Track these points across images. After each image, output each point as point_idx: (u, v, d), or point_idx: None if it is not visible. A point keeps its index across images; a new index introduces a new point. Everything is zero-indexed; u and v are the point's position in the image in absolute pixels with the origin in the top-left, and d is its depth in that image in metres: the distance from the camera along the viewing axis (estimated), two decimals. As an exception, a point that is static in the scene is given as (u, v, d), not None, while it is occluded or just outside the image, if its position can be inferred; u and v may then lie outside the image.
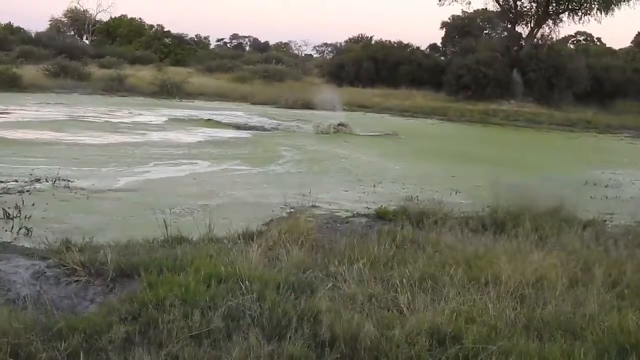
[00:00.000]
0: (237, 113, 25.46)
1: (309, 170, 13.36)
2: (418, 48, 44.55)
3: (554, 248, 6.38)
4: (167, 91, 31.78)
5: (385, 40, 45.55)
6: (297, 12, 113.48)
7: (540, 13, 35.78)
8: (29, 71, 34.69)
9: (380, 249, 6.04)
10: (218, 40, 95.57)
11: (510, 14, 36.64)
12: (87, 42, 69.04)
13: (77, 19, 69.74)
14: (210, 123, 20.91)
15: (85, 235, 6.30)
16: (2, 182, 9.60)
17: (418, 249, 6.25)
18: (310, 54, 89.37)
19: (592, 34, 69.70)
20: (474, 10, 45.79)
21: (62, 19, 70.34)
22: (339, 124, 19.20)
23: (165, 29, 72.31)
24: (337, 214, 9.20)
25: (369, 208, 9.48)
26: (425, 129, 23.92)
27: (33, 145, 13.85)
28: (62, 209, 8.25)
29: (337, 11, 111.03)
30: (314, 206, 9.42)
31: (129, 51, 55.55)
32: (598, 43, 69.15)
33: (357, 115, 27.26)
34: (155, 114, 22.56)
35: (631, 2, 33.20)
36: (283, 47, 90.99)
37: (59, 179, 10.02)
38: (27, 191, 9.14)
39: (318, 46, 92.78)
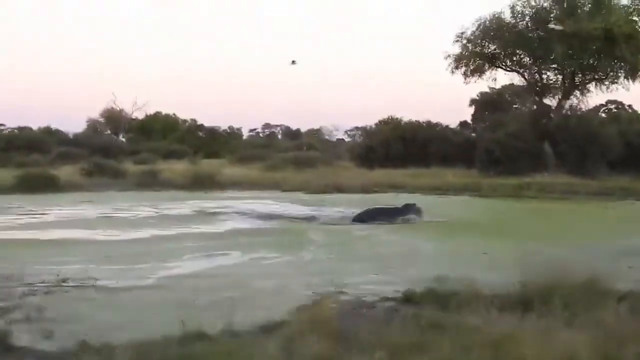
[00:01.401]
0: (267, 201, 25.58)
1: (338, 255, 13.20)
2: (447, 126, 44.87)
3: (585, 325, 6.06)
4: (199, 183, 32.16)
5: (415, 121, 46.06)
6: (328, 98, 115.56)
7: (566, 84, 35.90)
8: (66, 171, 35.64)
9: (403, 335, 5.82)
10: (250, 131, 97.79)
11: (537, 87, 36.81)
12: (123, 139, 71.08)
13: (114, 118, 72.03)
14: (240, 213, 20.96)
15: (105, 335, 6.23)
16: (30, 283, 9.62)
17: (443, 333, 6.01)
18: (342, 139, 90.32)
19: (623, 102, 69.56)
20: (502, 86, 46.16)
21: (99, 119, 72.67)
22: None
23: (199, 123, 74.31)
24: (364, 298, 9.00)
25: (397, 291, 9.25)
26: (455, 206, 23.64)
27: (64, 245, 13.96)
28: (85, 308, 8.18)
29: (367, 94, 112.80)
30: (340, 292, 9.28)
31: (163, 146, 56.84)
32: (630, 110, 68.87)
33: (385, 196, 27.25)
34: (186, 206, 22.74)
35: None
36: (315, 133, 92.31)
37: (87, 278, 10.04)
38: (53, 292, 9.14)
39: (349, 130, 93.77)
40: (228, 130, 80.00)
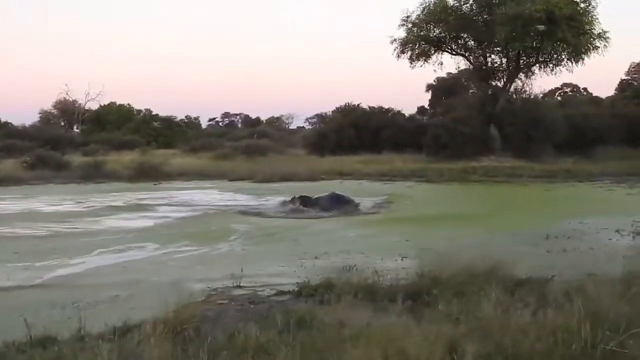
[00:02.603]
0: (210, 191, 25.12)
1: (255, 246, 12.85)
2: (399, 112, 44.70)
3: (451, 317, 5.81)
4: (144, 174, 31.46)
5: (368, 107, 45.80)
6: (288, 86, 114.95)
7: (511, 68, 35.89)
8: (9, 165, 34.72)
9: (259, 335, 5.48)
10: (210, 120, 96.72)
11: (482, 70, 36.71)
12: (77, 131, 69.73)
13: (67, 110, 70.59)
14: (173, 204, 20.49)
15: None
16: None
17: (303, 330, 5.71)
18: (303, 126, 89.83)
19: (579, 85, 70.23)
20: (458, 71, 46.14)
21: (52, 111, 71.17)
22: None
23: (154, 113, 73.07)
24: (260, 292, 8.68)
25: (298, 284, 8.93)
26: (396, 192, 23.43)
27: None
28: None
29: (328, 83, 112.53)
30: (238, 286, 8.94)
31: (115, 137, 55.80)
32: (585, 93, 69.64)
33: (332, 183, 27.00)
34: (121, 198, 22.16)
35: (600, 50, 33.17)
36: (275, 121, 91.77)
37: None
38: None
39: (310, 118, 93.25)
40: (186, 120, 79.03)
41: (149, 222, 16.58)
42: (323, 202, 17.83)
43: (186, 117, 78.32)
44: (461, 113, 33.72)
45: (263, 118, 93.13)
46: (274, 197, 21.45)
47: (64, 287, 9.16)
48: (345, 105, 58.07)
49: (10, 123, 58.41)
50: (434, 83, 59.75)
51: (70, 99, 70.62)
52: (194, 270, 10.37)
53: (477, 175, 28.58)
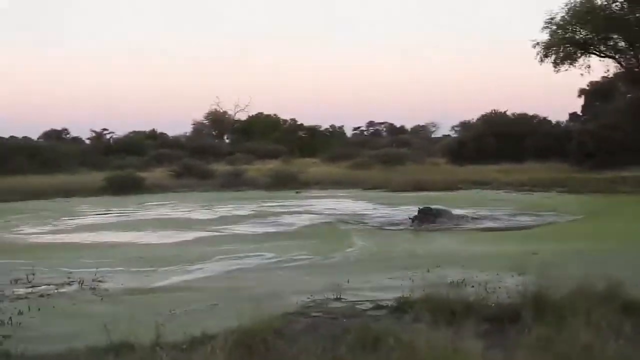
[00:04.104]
0: (340, 200, 25.19)
1: (369, 257, 12.60)
2: (545, 119, 42.62)
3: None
4: (281, 183, 32.12)
5: (511, 114, 44.09)
6: (433, 94, 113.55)
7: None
8: (158, 173, 36.81)
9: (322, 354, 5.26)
10: (354, 129, 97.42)
11: (633, 73, 34.11)
12: (227, 141, 72.87)
13: (217, 120, 73.98)
14: (302, 213, 20.66)
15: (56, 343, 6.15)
16: (34, 286, 9.75)
17: (373, 352, 5.41)
18: (449, 135, 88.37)
19: None
20: (615, 74, 43.28)
21: (204, 122, 74.80)
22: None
23: (299, 122, 74.83)
24: (358, 306, 8.43)
25: (398, 298, 8.59)
26: (532, 203, 22.25)
27: (102, 248, 14.17)
28: (59, 313, 8.13)
29: (474, 91, 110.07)
30: (337, 299, 8.76)
31: (261, 146, 57.56)
32: None
33: (467, 193, 26.28)
34: (253, 207, 22.69)
35: None
36: (420, 130, 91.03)
37: (94, 281, 10.07)
38: (48, 295, 9.17)
39: (456, 126, 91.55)
40: (330, 129, 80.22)
41: (274, 230, 16.84)
42: (445, 215, 17.23)
43: (331, 126, 79.74)
44: (611, 119, 31.51)
45: (408, 126, 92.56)
46: (400, 208, 21.12)
47: (169, 293, 9.39)
48: (492, 112, 56.46)
49: (165, 134, 62.01)
50: (586, 88, 56.54)
51: (221, 110, 73.97)
52: (300, 281, 10.29)
53: (628, 186, 26.45)
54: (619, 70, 35.94)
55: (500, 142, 40.34)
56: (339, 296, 8.86)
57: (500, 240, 14.30)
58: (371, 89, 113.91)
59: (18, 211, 22.15)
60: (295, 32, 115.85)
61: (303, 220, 18.49)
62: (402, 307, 8.06)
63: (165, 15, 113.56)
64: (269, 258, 12.60)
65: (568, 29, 33.21)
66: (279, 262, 12.17)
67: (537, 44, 34.26)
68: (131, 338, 6.10)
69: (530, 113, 44.02)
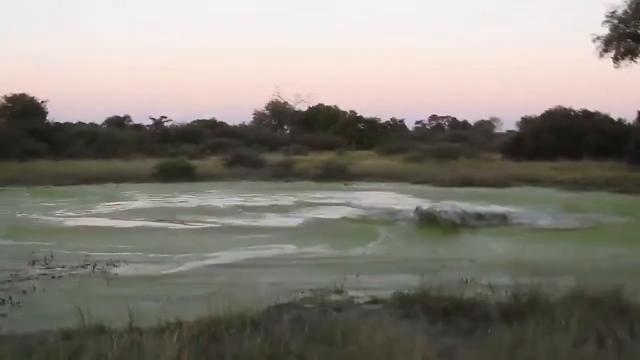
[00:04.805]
0: (384, 194, 25.03)
1: (388, 252, 12.49)
2: (607, 116, 41.20)
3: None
4: (331, 174, 32.04)
5: (570, 110, 42.81)
6: (498, 90, 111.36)
7: None
8: (211, 162, 37.35)
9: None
10: (417, 123, 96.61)
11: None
12: (287, 131, 73.39)
13: (278, 110, 74.56)
14: (340, 204, 20.60)
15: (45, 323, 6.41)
16: (49, 267, 10.08)
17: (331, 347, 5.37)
18: (513, 131, 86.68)
19: None
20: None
21: (265, 112, 75.48)
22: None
23: (358, 115, 74.69)
24: (357, 299, 8.41)
25: (394, 293, 8.50)
26: (579, 202, 21.57)
27: (128, 233, 14.50)
28: (60, 295, 8.38)
29: (541, 85, 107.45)
30: (338, 291, 8.76)
31: (318, 137, 57.67)
32: None
33: (515, 190, 25.75)
34: (294, 198, 22.75)
35: None
36: (484, 124, 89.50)
37: (108, 265, 10.35)
38: (60, 277, 9.47)
39: (520, 122, 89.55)
40: (391, 122, 79.75)
41: (305, 222, 16.82)
42: (479, 212, 16.84)
43: (391, 119, 79.30)
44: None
45: (471, 121, 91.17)
46: (442, 202, 20.82)
47: (175, 280, 9.58)
48: (557, 107, 55.17)
49: (224, 123, 62.84)
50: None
51: (282, 101, 74.49)
52: (309, 274, 10.29)
53: (685, 188, 25.35)
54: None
55: (559, 139, 39.23)
56: (340, 289, 8.86)
57: (526, 241, 13.88)
58: (436, 83, 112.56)
59: (65, 195, 22.91)
60: (361, 25, 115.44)
61: (338, 213, 18.39)
62: (396, 302, 8.01)
63: (230, 5, 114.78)
64: (288, 250, 12.66)
65: (630, 23, 31.98)
66: (297, 254, 12.24)
67: (597, 38, 33.18)
68: (106, 322, 6.27)
69: (596, 110, 42.62)
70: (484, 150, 46.56)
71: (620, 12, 32.41)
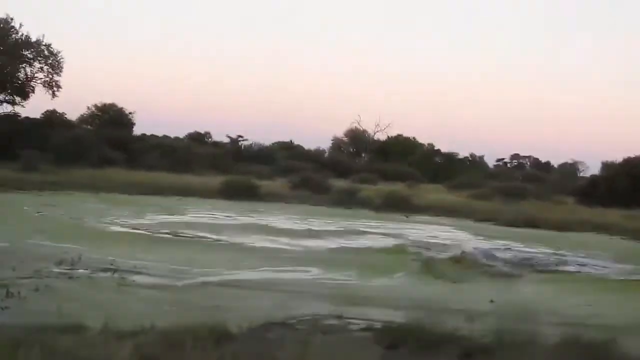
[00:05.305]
0: (439, 228, 24.81)
1: (410, 284, 12.47)
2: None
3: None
4: (392, 205, 31.94)
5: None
6: (583, 133, 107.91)
7: None
8: (277, 183, 38.00)
9: None
10: (498, 160, 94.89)
11: None
12: (365, 159, 73.60)
13: (356, 138, 74.98)
14: (388, 236, 20.52)
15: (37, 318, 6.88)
16: (73, 269, 10.66)
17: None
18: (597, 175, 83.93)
19: None
20: None
21: (344, 138, 76.01)
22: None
23: (436, 148, 74.17)
24: (351, 327, 8.51)
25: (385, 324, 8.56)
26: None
27: (163, 244, 15.10)
28: (66, 294, 8.89)
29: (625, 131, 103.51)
30: (339, 317, 8.88)
31: (390, 168, 57.54)
32: None
33: (573, 235, 25.04)
34: (343, 224, 22.88)
35: None
36: (569, 167, 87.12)
37: (129, 272, 10.86)
38: (77, 277, 10.01)
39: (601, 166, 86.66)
40: (470, 158, 78.70)
41: (342, 248, 16.94)
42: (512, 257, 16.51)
43: (470, 154, 78.26)
44: None
45: (555, 163, 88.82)
46: (496, 242, 20.55)
47: (184, 292, 9.99)
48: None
49: (300, 146, 63.64)
50: None
51: (361, 129, 74.90)
52: (319, 298, 10.40)
53: None
54: None
55: (636, 186, 37.77)
56: (340, 315, 8.97)
57: (552, 288, 13.43)
58: (518, 121, 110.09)
59: (127, 203, 23.91)
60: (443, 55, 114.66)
61: (379, 243, 18.42)
62: (383, 332, 8.09)
63: (312, 31, 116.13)
64: (311, 274, 12.83)
65: None
66: (317, 279, 12.42)
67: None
68: (86, 322, 6.67)
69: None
70: (560, 193, 45.33)
71: None
